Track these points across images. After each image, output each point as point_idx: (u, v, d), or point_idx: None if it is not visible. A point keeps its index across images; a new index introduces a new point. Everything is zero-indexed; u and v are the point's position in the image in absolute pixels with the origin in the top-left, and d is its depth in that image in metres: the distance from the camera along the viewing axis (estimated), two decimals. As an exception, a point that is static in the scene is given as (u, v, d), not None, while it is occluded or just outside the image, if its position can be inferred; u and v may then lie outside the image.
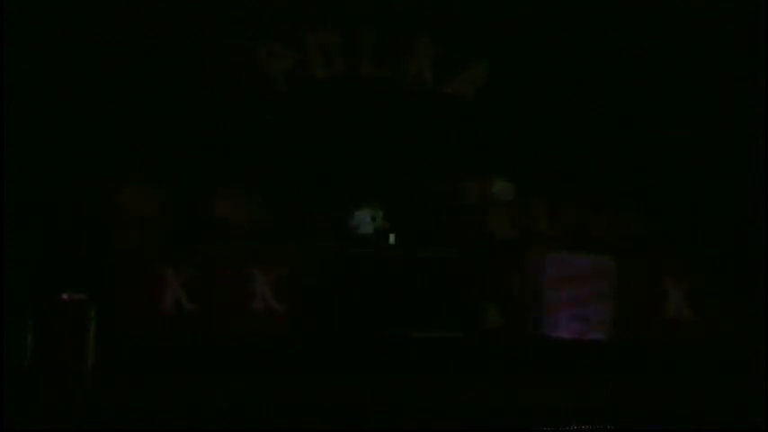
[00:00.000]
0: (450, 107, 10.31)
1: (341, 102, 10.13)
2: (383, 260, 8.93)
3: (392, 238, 9.39)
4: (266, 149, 9.85)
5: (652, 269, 9.00)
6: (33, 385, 6.62)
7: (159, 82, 9.77)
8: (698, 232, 9.18)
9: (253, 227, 9.05)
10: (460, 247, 9.10)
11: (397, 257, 9.00)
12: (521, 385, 7.72)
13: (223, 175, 9.47)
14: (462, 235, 9.34)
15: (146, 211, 8.87)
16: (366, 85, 10.18)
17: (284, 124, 9.99)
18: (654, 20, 10.25)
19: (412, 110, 10.24)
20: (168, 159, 9.41)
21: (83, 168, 9.19)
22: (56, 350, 7.07)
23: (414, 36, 10.29)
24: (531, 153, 10.01)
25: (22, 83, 9.01)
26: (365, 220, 9.56)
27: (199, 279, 8.40)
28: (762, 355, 7.80)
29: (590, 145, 10.10)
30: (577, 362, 8.39)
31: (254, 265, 8.53)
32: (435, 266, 8.87)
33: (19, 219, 8.33)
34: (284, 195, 9.41)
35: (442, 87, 10.35)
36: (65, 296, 7.45)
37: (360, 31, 10.20)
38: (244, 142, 9.81)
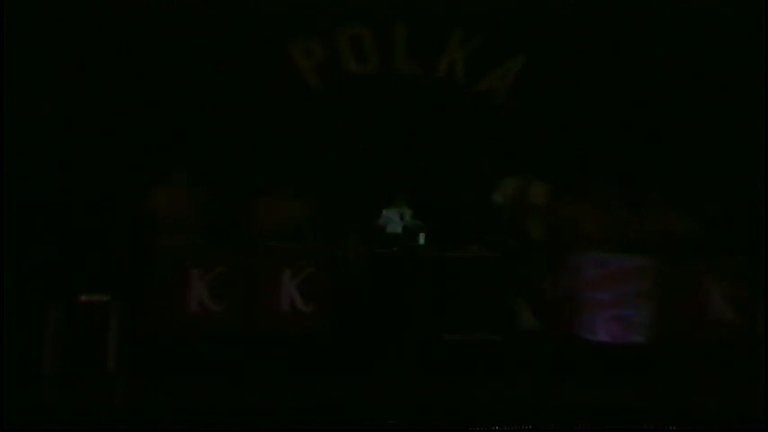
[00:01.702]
0: (483, 104, 10.05)
1: (372, 98, 9.96)
2: (413, 260, 8.67)
3: (422, 237, 9.06)
4: (296, 147, 9.69)
5: (694, 269, 8.61)
6: (51, 387, 6.69)
7: (189, 79, 9.68)
8: (742, 231, 8.76)
9: (280, 226, 8.79)
10: (494, 247, 8.84)
11: (427, 257, 8.73)
12: (557, 389, 7.52)
13: (252, 174, 9.31)
14: (496, 235, 9.06)
15: (172, 210, 8.66)
16: (398, 81, 9.96)
17: (316, 121, 9.84)
18: (694, 15, 9.94)
19: (444, 107, 10.03)
20: (196, 158, 9.19)
21: (108, 167, 9.11)
22: (75, 352, 7.21)
23: (446, 31, 10.06)
24: (567, 150, 9.71)
25: (42, 77, 8.97)
26: (393, 218, 9.28)
27: (224, 279, 8.20)
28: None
29: (629, 142, 9.78)
30: (616, 365, 8.09)
31: (281, 265, 8.32)
32: (467, 267, 8.61)
33: (41, 218, 8.22)
34: (313, 193, 9.14)
35: (475, 84, 10.10)
36: (84, 297, 7.53)
37: (392, 25, 10.02)
38: (274, 140, 9.68)
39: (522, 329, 8.39)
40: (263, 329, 8.21)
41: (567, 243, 8.78)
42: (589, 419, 6.51)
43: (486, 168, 9.57)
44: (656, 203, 9.06)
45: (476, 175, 9.68)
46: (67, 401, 6.66)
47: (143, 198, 8.70)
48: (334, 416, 6.58)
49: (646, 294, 8.45)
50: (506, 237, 8.93)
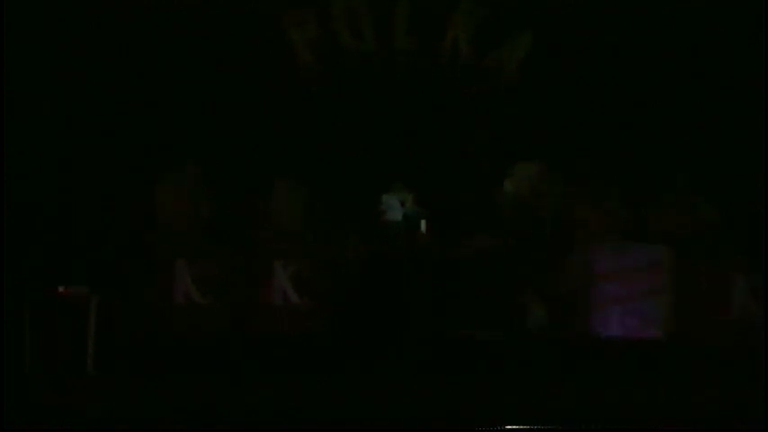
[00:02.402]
0: (489, 83, 9.45)
1: (370, 77, 9.41)
2: (414, 252, 8.24)
3: (423, 225, 8.54)
4: (287, 132, 9.17)
5: (715, 261, 8.15)
6: (32, 382, 6.56)
7: (174, 60, 9.19)
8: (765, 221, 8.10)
9: (271, 216, 8.31)
10: (500, 237, 8.34)
11: (429, 249, 8.30)
12: (568, 388, 7.16)
13: (242, 161, 8.82)
14: (503, 225, 8.59)
15: (156, 200, 8.21)
16: (397, 59, 9.39)
17: (308, 102, 9.32)
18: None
19: (447, 87, 9.46)
20: (181, 145, 8.70)
21: (93, 160, 8.69)
22: (54, 346, 6.94)
23: (450, 4, 9.46)
24: (579, 135, 9.15)
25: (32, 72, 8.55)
26: (393, 205, 8.75)
27: (212, 273, 7.79)
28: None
29: (646, 126, 9.20)
30: (631, 362, 7.69)
31: (272, 258, 7.88)
32: (472, 260, 8.13)
33: (25, 212, 7.79)
34: (307, 180, 8.60)
35: (480, 62, 9.49)
36: (61, 289, 7.19)
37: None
38: (263, 125, 9.16)
39: (531, 326, 7.98)
40: (254, 327, 7.82)
41: (579, 234, 8.32)
42: (599, 421, 6.35)
43: (485, 168, 9.02)
44: (674, 193, 8.55)
45: (481, 161, 9.09)
46: (46, 402, 6.46)
47: (131, 191, 8.35)
48: (330, 419, 6.34)
49: (662, 288, 7.99)
50: (508, 232, 8.41)
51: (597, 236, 8.26)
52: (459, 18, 9.42)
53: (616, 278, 7.98)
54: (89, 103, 8.85)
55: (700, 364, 7.64)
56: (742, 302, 7.94)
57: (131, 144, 8.76)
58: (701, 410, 6.66)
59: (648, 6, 9.36)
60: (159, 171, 8.25)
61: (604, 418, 6.46)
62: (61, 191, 8.29)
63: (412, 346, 7.69)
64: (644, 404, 6.81)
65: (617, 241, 8.17)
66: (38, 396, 6.43)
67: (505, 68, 9.37)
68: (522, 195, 8.59)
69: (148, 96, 9.00)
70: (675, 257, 8.01)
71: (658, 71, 9.28)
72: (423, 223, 8.65)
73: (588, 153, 8.93)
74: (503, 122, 9.33)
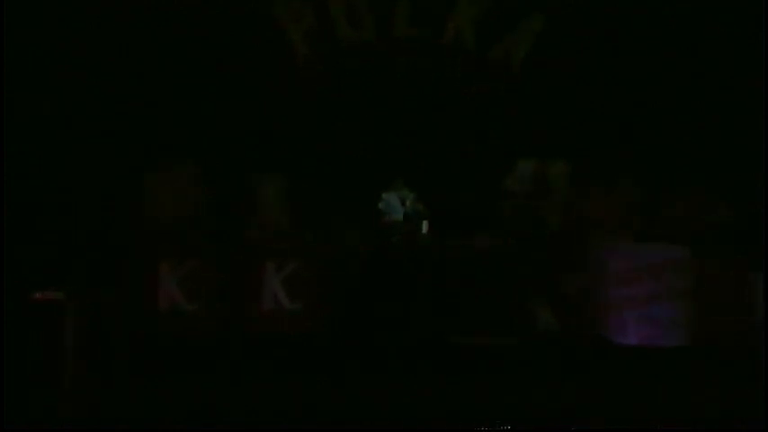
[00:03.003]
0: (496, 75, 8.91)
1: (369, 69, 8.91)
2: (415, 251, 7.87)
3: (425, 225, 8.08)
4: (282, 126, 8.64)
5: (736, 261, 7.67)
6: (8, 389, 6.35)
7: (161, 55, 8.68)
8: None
9: (263, 214, 7.91)
10: (507, 237, 7.95)
11: (431, 248, 7.92)
12: (579, 398, 6.96)
13: (230, 155, 8.28)
14: (509, 223, 8.17)
15: (138, 197, 7.80)
16: (398, 50, 8.89)
17: (303, 95, 8.80)
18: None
19: (451, 78, 8.93)
20: (168, 142, 8.25)
21: (72, 159, 8.20)
22: (28, 353, 6.73)
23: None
24: (592, 127, 8.57)
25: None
26: (393, 204, 8.32)
27: (198, 274, 7.37)
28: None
29: (662, 116, 8.59)
30: (647, 370, 7.26)
31: (263, 259, 7.47)
32: (476, 259, 7.72)
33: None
34: (303, 177, 8.22)
35: (486, 52, 8.95)
36: (38, 295, 6.96)
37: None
38: (255, 118, 8.62)
39: (540, 331, 7.55)
40: (242, 330, 7.40)
41: (592, 232, 7.92)
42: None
43: (490, 165, 8.60)
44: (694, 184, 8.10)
45: (485, 158, 8.61)
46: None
47: (112, 188, 7.93)
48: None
49: (682, 290, 7.53)
50: (513, 231, 7.97)
51: (610, 234, 7.90)
52: (462, 6, 8.88)
53: (631, 280, 7.55)
54: (69, 98, 8.39)
55: (720, 368, 7.24)
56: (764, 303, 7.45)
57: (112, 141, 8.26)
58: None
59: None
60: (141, 168, 7.77)
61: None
62: (41, 190, 7.91)
63: (413, 352, 7.28)
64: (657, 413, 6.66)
65: (632, 240, 7.83)
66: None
67: (512, 60, 8.81)
68: (529, 192, 8.17)
69: (133, 92, 8.53)
70: (695, 257, 7.56)
71: (675, 60, 8.72)
72: (424, 224, 8.26)
73: (600, 147, 8.41)
74: (507, 117, 8.81)
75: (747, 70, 8.46)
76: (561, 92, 8.70)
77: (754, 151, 8.16)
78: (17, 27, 8.03)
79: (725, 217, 7.96)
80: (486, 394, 6.91)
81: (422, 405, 6.68)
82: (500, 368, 7.19)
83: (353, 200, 8.25)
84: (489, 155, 8.67)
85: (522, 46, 8.91)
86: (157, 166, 7.85)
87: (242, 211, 7.80)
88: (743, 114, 8.51)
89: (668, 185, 8.14)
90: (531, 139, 8.55)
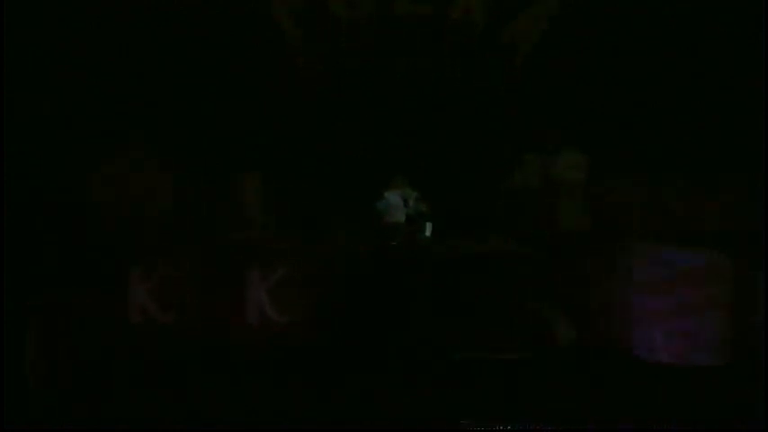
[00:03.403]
0: (506, 57, 8.15)
1: (367, 51, 8.18)
2: (418, 257, 7.18)
3: (429, 228, 7.37)
4: (268, 114, 7.96)
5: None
6: None
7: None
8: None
9: (248, 215, 7.29)
10: (520, 241, 7.26)
11: (436, 253, 7.23)
12: (600, 422, 6.14)
13: (212, 152, 7.56)
14: (523, 225, 7.53)
15: (110, 198, 7.10)
16: (400, 30, 8.16)
17: (294, 81, 8.12)
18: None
19: (458, 61, 8.21)
20: (141, 133, 7.49)
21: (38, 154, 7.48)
22: None
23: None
24: (611, 114, 7.77)
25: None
26: (396, 203, 7.64)
27: (173, 282, 6.74)
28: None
29: (696, 106, 7.78)
30: (679, 393, 6.51)
31: (247, 265, 6.79)
32: (486, 265, 7.04)
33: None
34: (291, 175, 7.58)
35: (496, 32, 8.20)
36: None
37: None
38: (241, 110, 7.92)
39: (558, 346, 6.93)
40: (224, 345, 6.76)
41: (616, 233, 7.27)
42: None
43: (501, 159, 7.88)
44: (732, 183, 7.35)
45: (496, 151, 7.87)
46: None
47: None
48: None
49: (718, 302, 6.78)
50: (529, 233, 7.22)
51: (638, 237, 7.23)
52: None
53: (661, 288, 6.84)
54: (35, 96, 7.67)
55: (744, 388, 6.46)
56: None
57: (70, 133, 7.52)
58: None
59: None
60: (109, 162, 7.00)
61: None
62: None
63: (413, 368, 6.62)
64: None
65: (663, 244, 7.00)
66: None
67: (523, 44, 8.05)
68: (546, 189, 7.49)
69: (107, 88, 7.82)
70: (733, 265, 6.79)
71: (717, 35, 7.93)
72: (428, 226, 7.60)
73: (626, 132, 7.60)
74: (521, 98, 8.04)
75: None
76: (580, 76, 7.94)
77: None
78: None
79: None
80: (498, 415, 6.17)
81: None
82: (512, 386, 6.54)
83: (350, 199, 7.65)
84: (496, 148, 7.95)
85: (536, 28, 8.16)
86: (118, 156, 7.06)
87: (223, 211, 6.99)
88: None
89: (705, 183, 7.42)
90: (541, 128, 7.86)
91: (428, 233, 7.50)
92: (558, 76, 7.91)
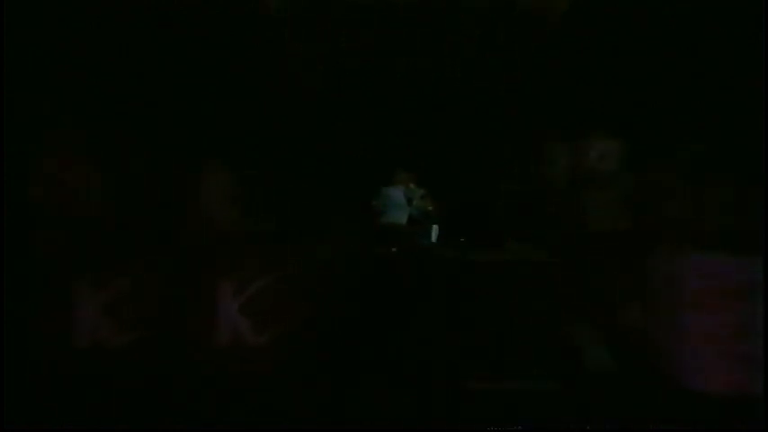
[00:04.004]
0: (531, 31, 7.03)
1: (370, 25, 7.01)
2: (424, 267, 6.15)
3: (436, 231, 6.27)
4: (247, 103, 6.89)
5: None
6: None
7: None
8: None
9: (216, 215, 6.10)
10: (543, 246, 6.24)
11: (445, 262, 6.18)
12: None
13: (176, 141, 6.46)
14: (547, 228, 6.41)
15: (48, 198, 5.90)
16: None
17: (279, 66, 6.99)
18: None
19: (474, 36, 7.02)
20: (93, 117, 6.36)
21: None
22: None
23: None
24: (653, 94, 6.66)
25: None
26: (397, 201, 6.56)
27: (127, 297, 5.67)
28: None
29: (747, 85, 6.51)
30: (733, 426, 5.44)
31: (217, 274, 5.76)
32: (504, 277, 6.01)
33: None
34: (271, 168, 6.44)
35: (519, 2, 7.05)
36: None
37: None
38: (211, 93, 6.86)
39: (589, 372, 5.92)
40: (190, 372, 5.68)
41: (658, 237, 6.10)
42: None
43: (522, 149, 6.75)
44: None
45: (512, 137, 6.75)
46: None
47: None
48: None
49: None
50: (555, 238, 6.14)
51: (685, 241, 6.03)
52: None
53: (714, 305, 5.80)
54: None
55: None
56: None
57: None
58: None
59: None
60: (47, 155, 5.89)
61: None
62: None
63: (419, 400, 5.53)
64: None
65: (716, 251, 5.92)
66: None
67: (552, 12, 6.94)
68: (573, 183, 6.36)
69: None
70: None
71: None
72: (435, 229, 6.57)
73: (667, 119, 6.48)
74: (546, 77, 6.91)
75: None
76: (614, 52, 6.79)
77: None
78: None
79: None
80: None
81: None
82: (536, 422, 5.45)
83: (343, 196, 6.54)
84: (512, 135, 6.84)
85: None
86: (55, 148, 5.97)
87: (187, 211, 5.91)
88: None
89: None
90: (574, 113, 6.74)
91: (434, 238, 6.42)
92: (588, 46, 6.79)
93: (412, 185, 6.69)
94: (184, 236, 5.88)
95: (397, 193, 6.67)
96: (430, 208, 6.56)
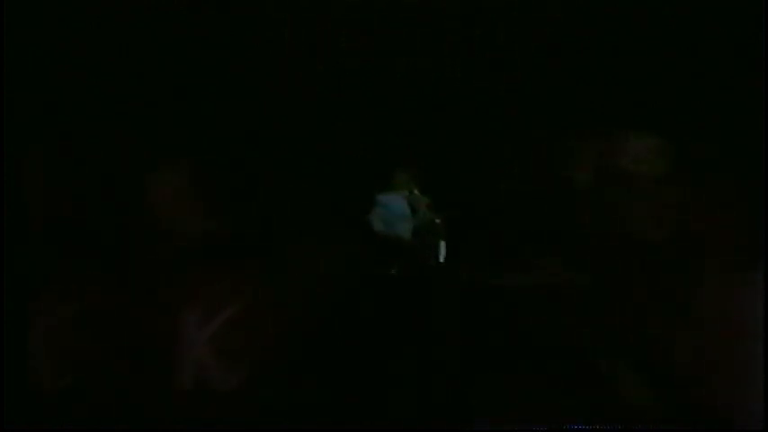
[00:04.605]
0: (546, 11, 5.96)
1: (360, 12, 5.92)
2: (430, 291, 5.13)
3: (444, 247, 5.29)
4: (218, 93, 5.83)
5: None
6: None
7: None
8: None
9: (183, 228, 4.98)
10: (572, 264, 5.21)
11: (455, 284, 5.20)
12: None
13: (131, 137, 5.33)
14: (576, 241, 5.35)
15: None
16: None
17: (256, 48, 5.95)
18: None
19: (482, 21, 5.98)
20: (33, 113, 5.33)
21: None
22: None
23: None
24: (701, 85, 5.60)
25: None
26: (397, 210, 5.62)
27: (72, 326, 4.63)
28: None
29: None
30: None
31: (180, 301, 4.72)
32: (527, 304, 5.01)
33: None
34: (247, 171, 5.32)
35: None
36: None
37: None
38: (174, 81, 5.81)
39: (630, 411, 4.86)
40: (143, 416, 4.65)
41: (713, 253, 4.95)
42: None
43: (548, 147, 5.84)
44: None
45: (537, 135, 5.79)
46: None
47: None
48: None
49: None
50: (595, 244, 5.13)
51: (742, 255, 4.89)
52: None
53: None
54: None
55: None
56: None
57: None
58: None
59: None
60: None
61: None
62: None
63: None
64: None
65: None
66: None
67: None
68: (610, 189, 5.28)
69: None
70: None
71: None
72: (443, 245, 5.53)
73: (725, 118, 5.44)
74: (569, 67, 5.86)
75: None
76: (655, 31, 5.79)
77: None
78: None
79: None
80: None
81: None
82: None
83: (331, 201, 5.53)
84: (540, 131, 5.85)
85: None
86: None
87: (140, 221, 4.93)
88: None
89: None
90: (607, 103, 5.66)
91: (443, 256, 5.43)
92: (626, 28, 5.79)
93: (415, 191, 5.67)
94: (135, 249, 4.86)
95: (396, 201, 5.68)
96: (437, 220, 5.54)
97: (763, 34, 5.21)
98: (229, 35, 6.04)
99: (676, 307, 4.93)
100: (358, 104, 6.15)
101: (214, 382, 4.67)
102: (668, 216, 5.22)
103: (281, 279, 4.94)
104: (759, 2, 5.14)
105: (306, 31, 6.09)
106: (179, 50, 5.93)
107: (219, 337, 4.70)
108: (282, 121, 6.06)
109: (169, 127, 5.39)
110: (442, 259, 5.36)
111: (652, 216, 5.23)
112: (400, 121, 6.08)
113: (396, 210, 5.65)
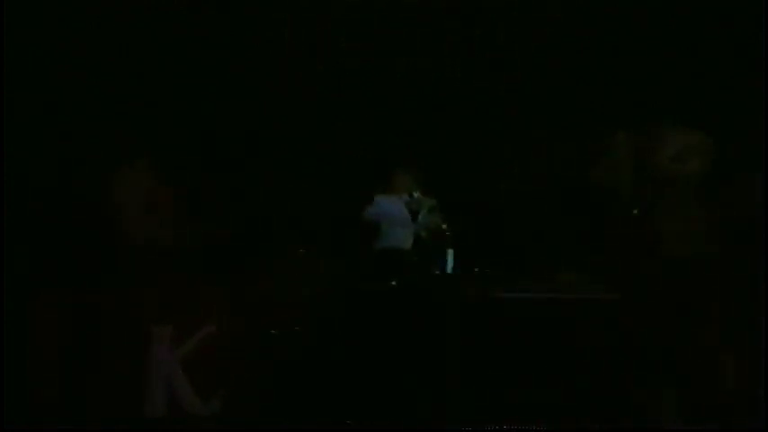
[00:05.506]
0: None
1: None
2: (436, 307, 4.57)
3: (451, 255, 4.73)
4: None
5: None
6: None
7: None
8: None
9: (153, 235, 4.53)
10: (600, 278, 4.69)
11: (463, 298, 4.59)
12: None
13: (98, 136, 5.01)
14: (602, 252, 4.87)
15: None
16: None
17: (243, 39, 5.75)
18: None
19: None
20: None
21: None
22: None
23: None
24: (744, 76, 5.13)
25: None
26: (398, 215, 5.10)
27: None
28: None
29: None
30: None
31: (150, 317, 4.32)
32: (548, 320, 4.50)
33: None
34: (227, 174, 5.03)
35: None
36: None
37: None
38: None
39: None
40: None
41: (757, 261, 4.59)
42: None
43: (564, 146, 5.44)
44: None
45: (555, 134, 5.35)
46: None
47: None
48: None
49: None
50: (625, 257, 4.62)
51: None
52: None
53: None
54: None
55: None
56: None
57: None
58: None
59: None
60: None
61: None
62: None
63: None
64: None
65: None
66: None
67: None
68: (643, 190, 4.78)
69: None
70: None
71: None
72: (450, 254, 4.99)
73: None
74: (588, 50, 5.54)
75: None
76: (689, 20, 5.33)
77: None
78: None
79: None
80: None
81: None
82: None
83: (321, 205, 5.00)
84: (558, 130, 5.39)
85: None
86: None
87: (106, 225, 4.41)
88: None
89: None
90: (634, 97, 5.27)
91: (450, 267, 4.81)
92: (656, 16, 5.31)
93: (416, 194, 5.08)
94: (102, 260, 4.31)
95: (396, 205, 5.11)
96: (443, 226, 4.94)
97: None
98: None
99: (716, 322, 4.51)
100: (358, 104, 5.84)
101: (188, 405, 4.20)
102: (711, 223, 4.71)
103: (265, 292, 4.39)
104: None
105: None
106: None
107: (194, 356, 4.21)
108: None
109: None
110: (449, 270, 4.78)
111: (694, 225, 4.70)
112: (400, 121, 5.66)
113: (395, 214, 5.11)
